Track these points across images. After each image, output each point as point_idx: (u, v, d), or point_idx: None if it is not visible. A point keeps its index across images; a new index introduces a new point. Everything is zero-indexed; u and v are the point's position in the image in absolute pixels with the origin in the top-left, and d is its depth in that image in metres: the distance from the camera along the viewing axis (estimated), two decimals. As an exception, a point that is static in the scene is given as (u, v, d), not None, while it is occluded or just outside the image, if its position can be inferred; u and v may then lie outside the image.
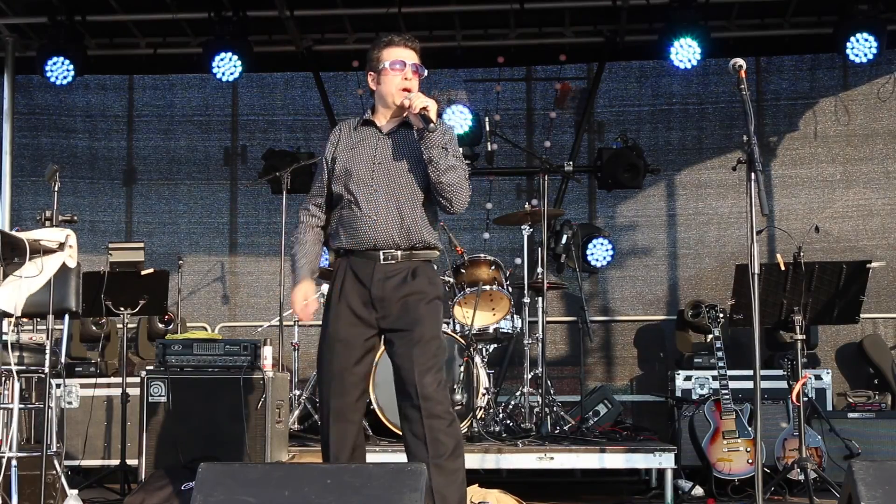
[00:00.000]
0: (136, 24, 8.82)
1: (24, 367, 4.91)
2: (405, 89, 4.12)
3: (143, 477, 5.57)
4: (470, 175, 8.87)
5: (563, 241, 7.64)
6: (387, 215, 4.08)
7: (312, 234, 4.33)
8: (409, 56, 4.16)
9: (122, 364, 6.52)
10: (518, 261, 8.06)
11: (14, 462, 4.82)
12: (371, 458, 4.49)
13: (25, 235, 4.76)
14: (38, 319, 6.16)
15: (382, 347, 4.30)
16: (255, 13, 8.49)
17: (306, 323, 7.77)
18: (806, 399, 6.09)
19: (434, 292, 4.14)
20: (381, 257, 4.09)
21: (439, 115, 4.07)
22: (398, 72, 4.13)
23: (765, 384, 5.52)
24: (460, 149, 4.24)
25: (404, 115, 4.16)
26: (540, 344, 6.76)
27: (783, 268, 5.70)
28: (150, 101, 9.31)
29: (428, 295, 4.10)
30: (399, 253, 4.10)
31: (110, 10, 8.52)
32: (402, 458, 5.50)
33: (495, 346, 7.07)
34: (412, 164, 4.12)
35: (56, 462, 5.07)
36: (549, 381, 6.83)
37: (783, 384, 6.29)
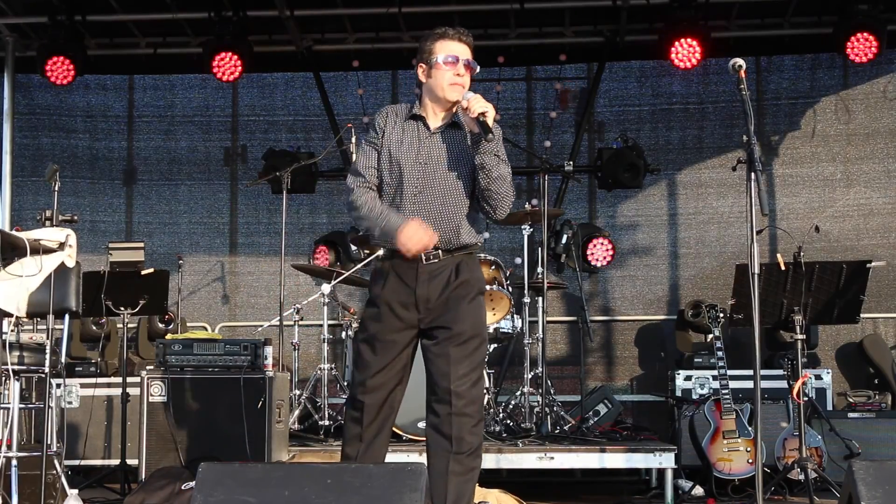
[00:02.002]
0: (136, 24, 8.82)
1: (24, 367, 4.92)
2: (457, 84, 4.04)
3: (143, 477, 5.57)
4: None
5: (563, 240, 7.64)
6: (428, 217, 4.02)
7: (373, 194, 4.11)
8: (463, 51, 4.08)
9: (123, 364, 6.52)
10: (518, 261, 8.05)
11: (14, 462, 4.82)
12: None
13: (25, 235, 4.76)
14: (38, 319, 6.16)
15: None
16: (255, 13, 8.49)
17: (306, 323, 7.85)
18: (806, 399, 6.09)
19: (477, 287, 4.10)
20: (423, 258, 4.03)
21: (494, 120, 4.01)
22: (451, 66, 4.04)
23: (765, 384, 5.52)
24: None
25: (453, 110, 4.10)
26: (540, 344, 6.76)
27: (783, 267, 5.70)
28: (151, 101, 9.31)
29: (471, 291, 4.07)
30: (441, 252, 4.05)
31: (110, 10, 8.52)
32: (402, 458, 5.52)
33: (495, 345, 7.06)
34: (459, 167, 4.06)
35: (56, 462, 5.08)
36: (549, 381, 6.83)
37: (783, 384, 6.29)
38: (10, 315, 4.88)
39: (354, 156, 4.41)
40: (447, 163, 4.07)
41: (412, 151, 4.08)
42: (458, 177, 4.07)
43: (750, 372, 4.64)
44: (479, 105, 3.93)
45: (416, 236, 3.94)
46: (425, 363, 4.08)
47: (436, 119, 4.14)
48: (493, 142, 3.97)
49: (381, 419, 4.11)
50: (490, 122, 3.93)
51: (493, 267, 6.84)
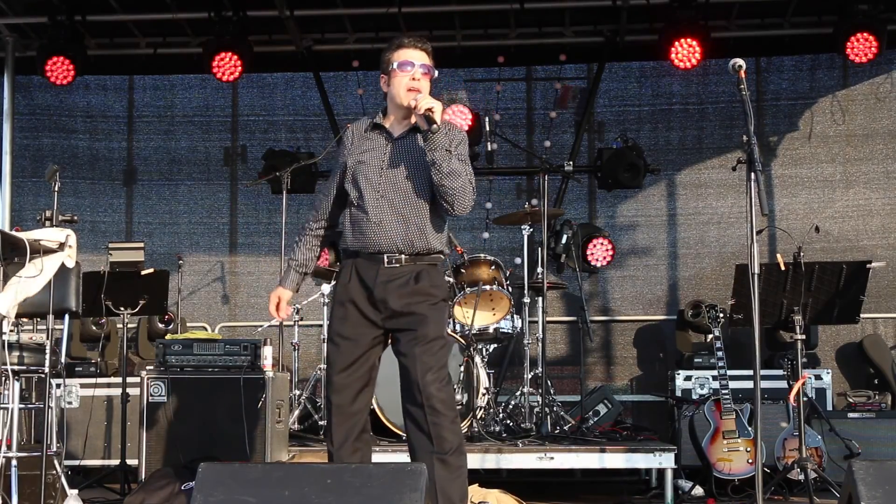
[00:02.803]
0: (136, 24, 8.82)
1: (24, 367, 4.92)
2: (413, 89, 4.12)
3: (143, 477, 5.57)
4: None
5: (563, 240, 7.63)
6: (391, 222, 4.11)
7: (311, 238, 4.46)
8: (419, 57, 4.17)
9: (122, 364, 6.52)
10: (518, 261, 8.05)
11: (14, 462, 4.82)
12: (372, 458, 4.48)
13: (25, 235, 4.76)
14: (38, 319, 6.17)
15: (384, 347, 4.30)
16: (255, 13, 8.49)
17: (306, 323, 7.85)
18: (806, 399, 6.09)
19: (438, 294, 4.16)
20: (385, 261, 4.12)
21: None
22: (406, 72, 4.14)
23: (765, 384, 5.52)
24: (468, 155, 4.24)
25: (413, 118, 4.17)
26: (540, 344, 6.76)
27: (783, 268, 5.70)
28: (151, 101, 9.31)
29: (432, 297, 4.12)
30: (403, 257, 4.12)
31: (110, 10, 8.52)
32: (402, 458, 5.52)
33: (495, 346, 7.07)
34: (420, 170, 4.13)
35: (56, 462, 5.08)
36: (549, 381, 6.83)
37: (783, 384, 6.29)
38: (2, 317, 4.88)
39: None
40: (408, 168, 4.15)
41: (374, 159, 4.18)
42: (420, 181, 4.14)
43: (750, 372, 4.64)
44: (426, 102, 4.05)
45: (270, 302, 4.38)
46: (399, 369, 4.13)
47: (398, 127, 4.23)
48: (442, 136, 4.05)
49: (351, 420, 4.14)
50: (437, 117, 4.03)
51: (493, 267, 6.84)
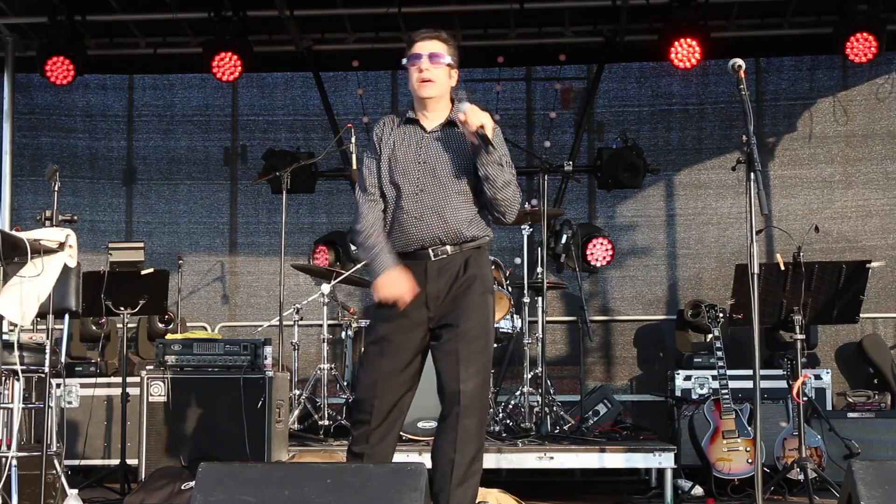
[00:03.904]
0: (136, 23, 8.82)
1: (24, 367, 4.92)
2: (425, 80, 4.08)
3: (143, 477, 5.57)
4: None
5: (563, 240, 7.63)
6: (432, 215, 4.06)
7: (376, 214, 4.16)
8: (426, 47, 4.12)
9: (123, 364, 6.52)
10: (518, 260, 8.05)
11: (14, 462, 4.82)
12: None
13: (25, 235, 4.76)
14: (38, 319, 6.16)
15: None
16: (255, 13, 8.48)
17: (306, 323, 7.84)
18: (806, 399, 6.09)
19: (484, 283, 4.10)
20: (432, 254, 4.07)
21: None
22: (415, 65, 4.11)
23: (764, 384, 5.52)
24: (503, 142, 4.18)
25: (448, 110, 4.14)
26: (540, 344, 6.76)
27: (783, 268, 5.70)
28: (150, 100, 9.30)
29: (478, 287, 4.06)
30: (449, 248, 4.08)
31: (110, 10, 8.52)
32: (401, 458, 5.52)
33: (495, 345, 7.04)
34: (457, 163, 4.09)
35: (56, 462, 5.08)
36: (548, 381, 6.83)
37: (783, 384, 6.29)
38: (15, 325, 4.89)
39: (358, 170, 4.52)
40: (446, 160, 4.10)
41: (410, 153, 4.13)
42: (459, 173, 4.09)
43: (749, 372, 4.64)
44: (476, 118, 3.96)
45: (389, 286, 4.00)
46: (434, 364, 4.06)
47: (429, 120, 4.19)
48: (497, 152, 4.01)
49: (390, 422, 4.09)
50: (489, 132, 3.95)
51: (493, 267, 6.81)
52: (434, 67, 4.10)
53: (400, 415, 4.12)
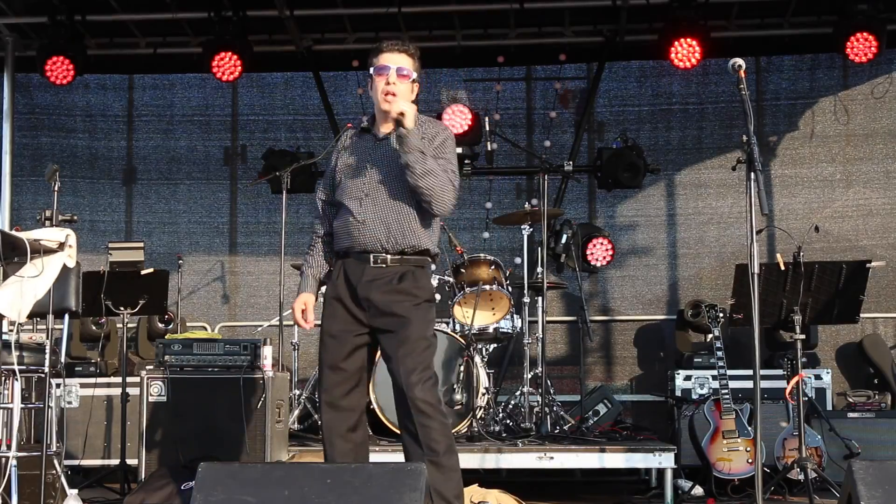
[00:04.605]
0: (136, 23, 8.82)
1: (24, 367, 4.91)
2: (389, 93, 4.18)
3: (143, 477, 5.57)
4: (470, 175, 8.84)
5: (563, 240, 7.63)
6: (375, 220, 4.18)
7: (321, 244, 4.43)
8: (395, 60, 4.22)
9: (123, 364, 6.52)
10: (518, 260, 8.05)
11: (14, 462, 4.82)
12: (371, 457, 4.49)
13: (25, 235, 4.76)
14: (38, 319, 6.16)
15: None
16: (255, 13, 8.49)
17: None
18: (806, 399, 6.09)
19: (421, 295, 4.19)
20: (371, 260, 4.18)
21: (437, 117, 4.11)
22: (382, 77, 4.21)
23: (765, 384, 5.53)
24: (454, 153, 4.28)
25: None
26: (540, 344, 6.76)
27: (783, 267, 5.70)
28: (150, 100, 9.30)
29: (414, 298, 4.16)
30: (389, 257, 4.18)
31: (110, 10, 8.52)
32: (402, 457, 5.51)
33: (495, 345, 7.06)
34: (403, 170, 4.16)
35: (56, 462, 5.08)
36: (548, 381, 6.83)
37: (783, 384, 6.28)
38: (13, 322, 4.88)
39: None
40: (392, 168, 4.20)
41: (360, 160, 4.27)
42: (404, 180, 4.16)
43: (750, 372, 4.64)
44: (398, 106, 4.12)
45: (297, 308, 4.34)
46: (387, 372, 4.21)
47: (383, 129, 4.30)
48: (415, 138, 4.09)
49: (341, 415, 4.19)
50: (408, 121, 4.07)
51: (493, 267, 6.84)
52: (400, 82, 4.21)
53: (351, 408, 4.23)
